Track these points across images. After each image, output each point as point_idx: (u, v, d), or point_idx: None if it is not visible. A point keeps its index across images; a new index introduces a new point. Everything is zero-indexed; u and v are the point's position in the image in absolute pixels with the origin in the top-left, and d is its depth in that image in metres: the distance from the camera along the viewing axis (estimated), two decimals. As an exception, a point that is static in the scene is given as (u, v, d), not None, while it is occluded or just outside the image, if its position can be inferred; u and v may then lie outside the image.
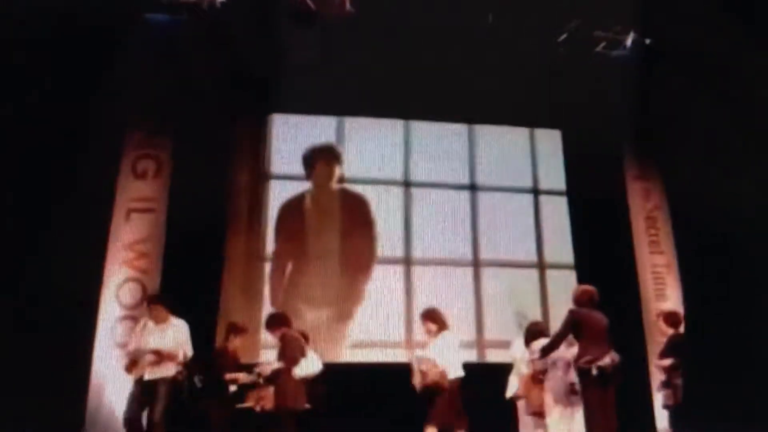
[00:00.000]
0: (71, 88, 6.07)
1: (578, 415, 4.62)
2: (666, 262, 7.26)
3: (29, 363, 5.23)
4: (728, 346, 5.97)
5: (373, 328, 6.96)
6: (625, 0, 6.85)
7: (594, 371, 4.32)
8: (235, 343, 5.47)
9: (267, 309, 6.63)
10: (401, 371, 5.26)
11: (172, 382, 4.85)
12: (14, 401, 5.01)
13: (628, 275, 7.21)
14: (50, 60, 5.93)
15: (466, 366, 5.16)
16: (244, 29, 6.77)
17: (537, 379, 4.91)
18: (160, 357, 4.81)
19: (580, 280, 7.00)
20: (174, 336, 4.94)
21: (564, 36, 7.28)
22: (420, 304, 7.02)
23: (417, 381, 5.03)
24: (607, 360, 4.37)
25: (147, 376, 4.84)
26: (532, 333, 5.12)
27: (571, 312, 4.70)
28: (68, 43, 5.92)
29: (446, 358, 5.00)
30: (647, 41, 7.43)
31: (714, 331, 5.81)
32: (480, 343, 7.14)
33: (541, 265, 7.53)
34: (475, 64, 6.98)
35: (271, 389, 4.89)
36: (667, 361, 5.02)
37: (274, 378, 4.84)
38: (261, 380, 5.02)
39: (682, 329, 5.45)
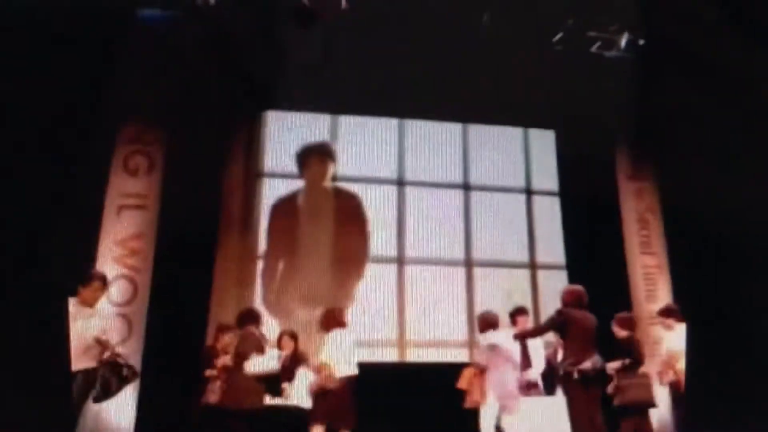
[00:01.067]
0: (62, 83, 6.02)
1: (513, 416, 4.73)
2: (657, 263, 7.28)
3: (17, 362, 5.19)
4: (722, 347, 5.99)
5: (365, 327, 6.97)
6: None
7: (575, 374, 4.35)
8: (224, 342, 5.45)
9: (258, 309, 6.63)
10: (393, 370, 5.27)
11: (87, 373, 4.45)
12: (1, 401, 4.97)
13: (619, 276, 7.23)
14: (40, 55, 5.87)
15: (457, 366, 5.18)
16: (238, 26, 6.73)
17: (480, 372, 4.94)
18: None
19: (572, 280, 7.03)
20: (95, 323, 4.54)
21: (559, 36, 7.28)
22: (412, 304, 7.09)
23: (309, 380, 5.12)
24: (588, 364, 4.39)
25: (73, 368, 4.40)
26: (486, 322, 5.15)
27: (558, 311, 4.73)
28: (59, 38, 5.87)
29: (335, 356, 5.00)
30: (641, 42, 7.44)
31: (706, 332, 5.82)
32: (471, 343, 7.15)
33: (533, 266, 7.56)
34: (470, 64, 6.97)
35: (218, 384, 4.87)
36: (616, 364, 5.09)
37: (223, 373, 4.81)
38: (215, 373, 5.00)
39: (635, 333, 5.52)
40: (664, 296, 7.05)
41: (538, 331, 4.83)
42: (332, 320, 5.24)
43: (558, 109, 7.34)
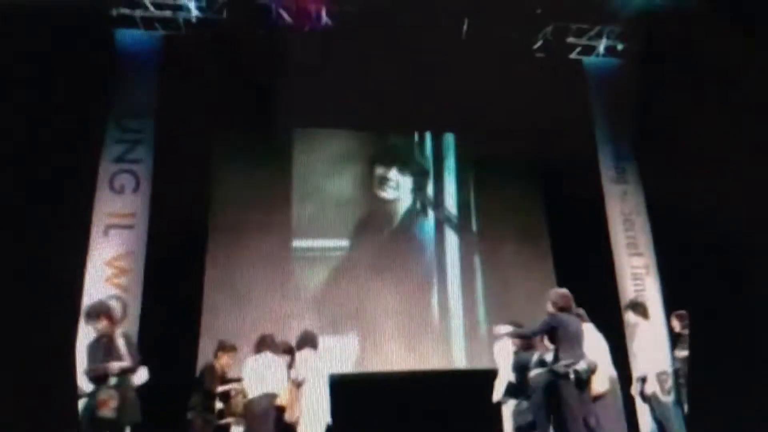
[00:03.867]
0: (46, 102, 6.00)
1: None
2: (644, 263, 7.33)
3: (7, 384, 5.14)
4: (711, 346, 6.03)
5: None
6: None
7: (571, 375, 4.38)
8: (222, 361, 5.40)
9: (249, 325, 6.60)
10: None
11: None
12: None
13: (607, 278, 7.27)
14: (24, 72, 5.85)
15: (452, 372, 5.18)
16: (221, 44, 6.76)
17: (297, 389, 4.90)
18: None
19: (560, 282, 7.08)
20: None
21: (539, 43, 7.38)
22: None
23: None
24: (583, 364, 4.42)
25: None
26: (304, 340, 5.15)
27: (551, 315, 4.76)
28: (42, 55, 5.85)
29: (250, 379, 5.00)
30: (620, 47, 7.55)
31: (695, 332, 5.86)
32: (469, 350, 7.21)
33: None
34: (452, 74, 7.06)
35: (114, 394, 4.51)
36: None
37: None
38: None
39: None
40: (652, 296, 7.10)
41: (530, 335, 4.83)
42: (263, 344, 5.18)
43: (540, 114, 7.40)
